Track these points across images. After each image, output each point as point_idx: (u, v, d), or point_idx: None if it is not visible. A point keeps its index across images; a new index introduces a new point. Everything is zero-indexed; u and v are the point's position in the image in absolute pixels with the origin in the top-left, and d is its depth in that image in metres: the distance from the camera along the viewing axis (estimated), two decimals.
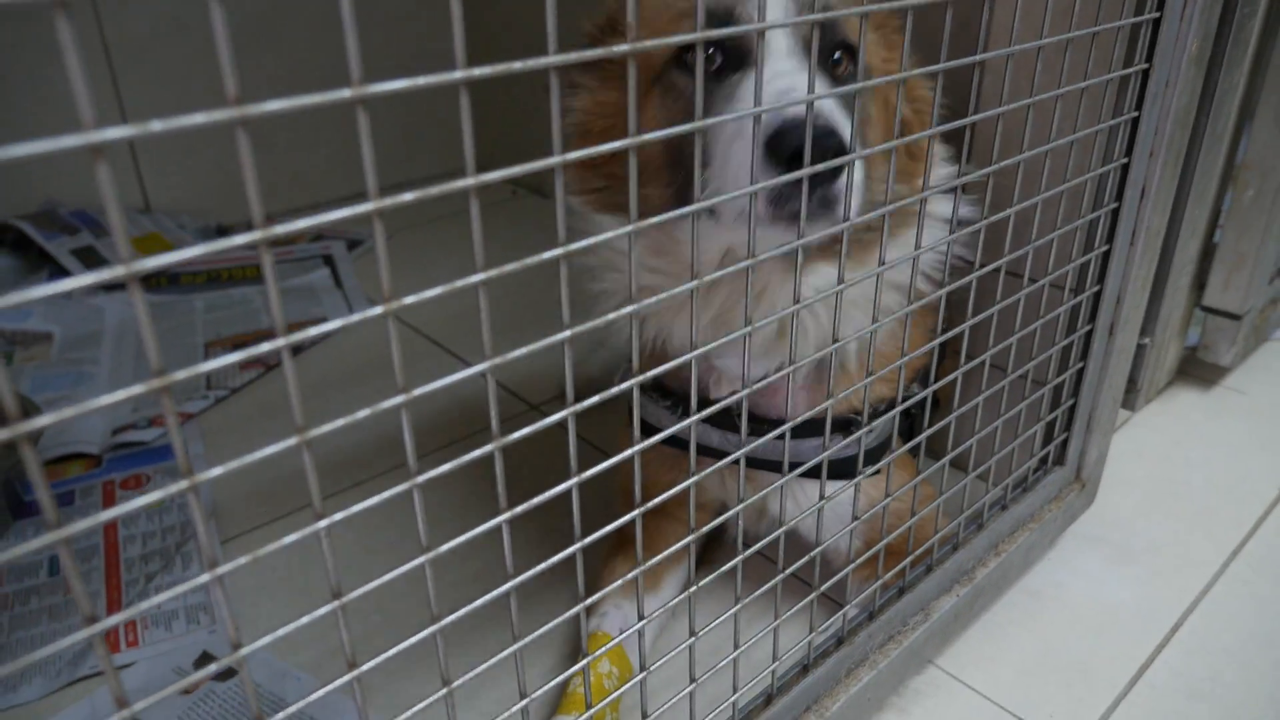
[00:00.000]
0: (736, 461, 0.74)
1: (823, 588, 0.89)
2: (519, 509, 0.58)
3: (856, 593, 0.97)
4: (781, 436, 0.76)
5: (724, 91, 0.85)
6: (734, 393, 0.71)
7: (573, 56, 0.48)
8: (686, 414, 1.03)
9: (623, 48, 0.50)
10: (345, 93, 0.42)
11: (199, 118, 0.38)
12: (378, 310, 0.48)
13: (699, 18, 0.54)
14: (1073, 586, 1.24)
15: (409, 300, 0.48)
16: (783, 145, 0.70)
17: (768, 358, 0.96)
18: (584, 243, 0.55)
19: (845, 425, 0.99)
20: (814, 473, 0.83)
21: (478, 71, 0.45)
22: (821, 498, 0.85)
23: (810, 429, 0.95)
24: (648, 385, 1.10)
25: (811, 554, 0.88)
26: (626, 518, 0.67)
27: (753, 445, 0.73)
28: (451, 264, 2.10)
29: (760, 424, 1.00)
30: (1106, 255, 1.08)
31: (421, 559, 0.54)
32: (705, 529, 0.78)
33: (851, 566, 0.99)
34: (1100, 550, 1.31)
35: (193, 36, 2.25)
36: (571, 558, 0.63)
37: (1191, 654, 1.13)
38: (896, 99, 0.79)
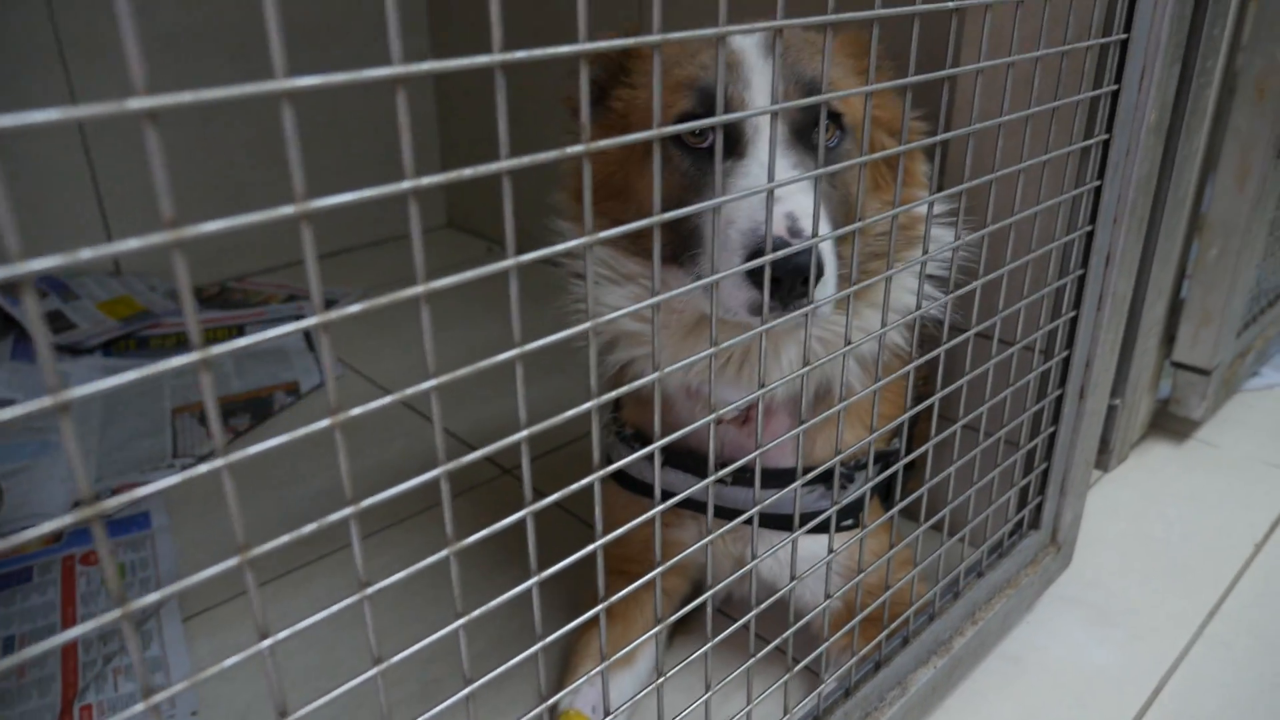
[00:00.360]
0: (721, 515, 0.74)
1: (795, 669, 0.87)
2: (475, 613, 0.56)
3: (834, 667, 0.96)
4: (767, 486, 0.75)
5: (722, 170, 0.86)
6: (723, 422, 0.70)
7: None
8: (669, 464, 1.03)
9: (587, 144, 0.50)
10: (289, 209, 0.41)
11: (133, 242, 0.37)
12: (324, 423, 0.46)
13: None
14: (1052, 650, 1.23)
15: (354, 412, 0.47)
16: (761, 274, 0.73)
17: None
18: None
19: (828, 476, 0.99)
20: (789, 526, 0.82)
21: (428, 181, 0.44)
22: (795, 545, 0.84)
23: (792, 479, 0.95)
24: (630, 437, 1.09)
25: (797, 625, 0.86)
26: (587, 615, 0.65)
27: (721, 470, 0.72)
28: (435, 320, 2.08)
29: (744, 473, 0.99)
30: (1074, 320, 1.09)
31: (373, 671, 0.52)
32: (672, 619, 0.77)
33: (830, 641, 0.97)
34: (1079, 612, 1.29)
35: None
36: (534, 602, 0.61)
37: (1173, 719, 1.12)
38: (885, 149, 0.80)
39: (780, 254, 0.68)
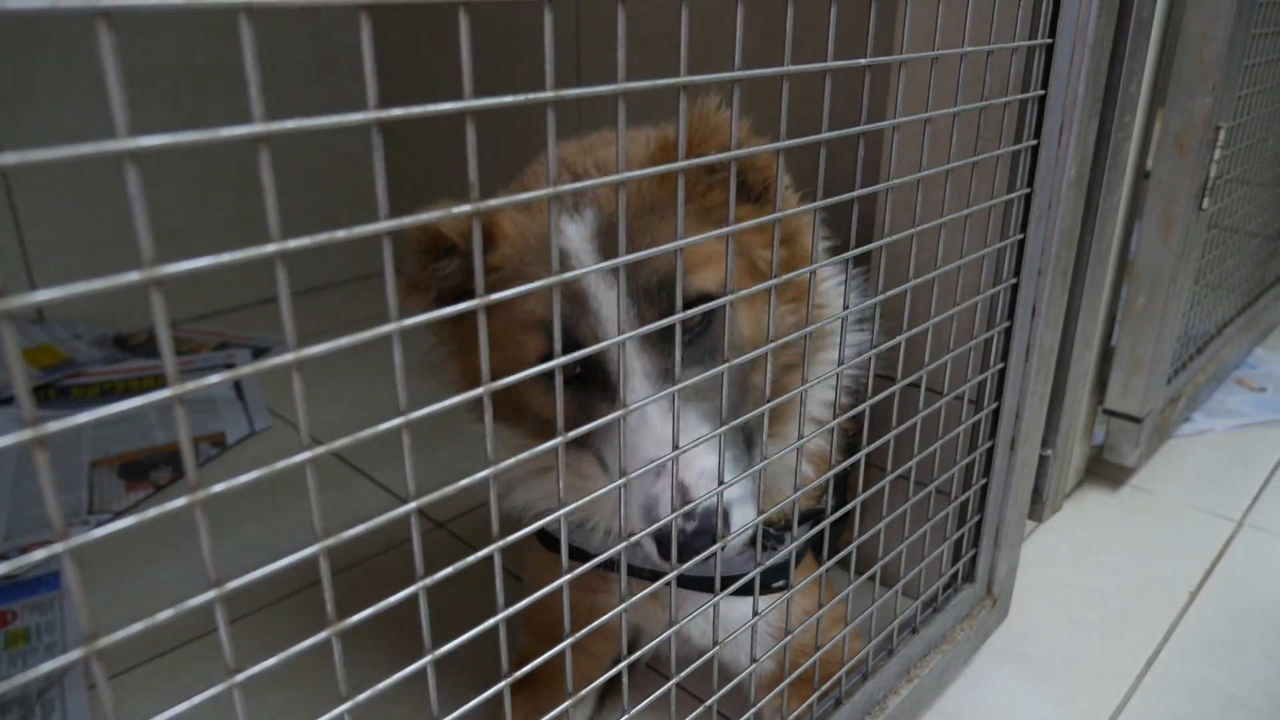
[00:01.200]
0: (644, 578, 0.71)
1: None
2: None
3: None
4: None
5: (601, 412, 0.81)
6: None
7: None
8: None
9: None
10: (271, 247, 0.38)
11: (99, 283, 0.34)
12: (304, 456, 0.43)
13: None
14: (990, 706, 1.21)
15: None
16: (658, 541, 0.73)
17: None
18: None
19: (752, 539, 0.96)
20: (725, 587, 0.79)
21: (409, 221, 0.42)
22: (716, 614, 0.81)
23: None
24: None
25: (726, 688, 0.83)
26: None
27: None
28: (365, 368, 2.04)
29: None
30: (1002, 373, 1.09)
31: (342, 708, 0.48)
32: (599, 681, 0.73)
33: (760, 703, 0.94)
34: (1017, 666, 1.28)
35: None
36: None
37: None
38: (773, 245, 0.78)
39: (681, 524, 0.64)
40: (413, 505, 0.52)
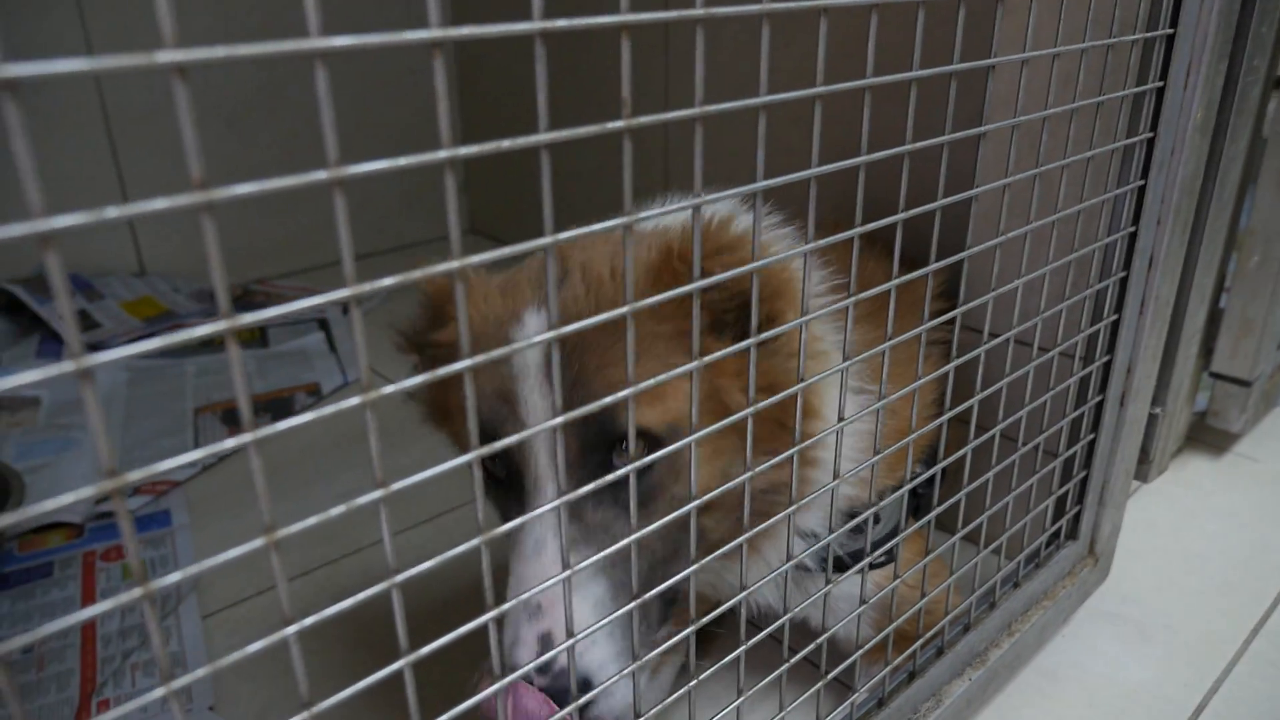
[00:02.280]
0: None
1: (829, 675, 0.84)
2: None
3: (866, 677, 0.93)
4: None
5: (512, 510, 0.78)
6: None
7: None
8: None
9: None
10: (322, 174, 0.39)
11: (160, 202, 0.35)
12: (355, 401, 0.44)
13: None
14: (1090, 667, 1.19)
15: (385, 390, 0.45)
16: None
17: None
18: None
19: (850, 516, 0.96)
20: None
21: (464, 150, 0.43)
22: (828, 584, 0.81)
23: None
24: None
25: (818, 640, 0.84)
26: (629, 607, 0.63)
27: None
28: None
29: None
30: (1116, 325, 1.06)
31: (401, 662, 0.50)
32: (702, 621, 0.74)
33: (859, 653, 0.94)
34: (1117, 628, 1.26)
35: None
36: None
37: None
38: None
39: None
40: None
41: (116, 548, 1.45)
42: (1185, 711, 1.12)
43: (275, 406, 1.83)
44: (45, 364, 2.07)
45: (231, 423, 1.78)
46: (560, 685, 0.67)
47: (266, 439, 0.41)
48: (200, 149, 0.36)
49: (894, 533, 0.96)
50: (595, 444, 0.72)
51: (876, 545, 0.93)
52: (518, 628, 0.68)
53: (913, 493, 1.04)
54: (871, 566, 0.92)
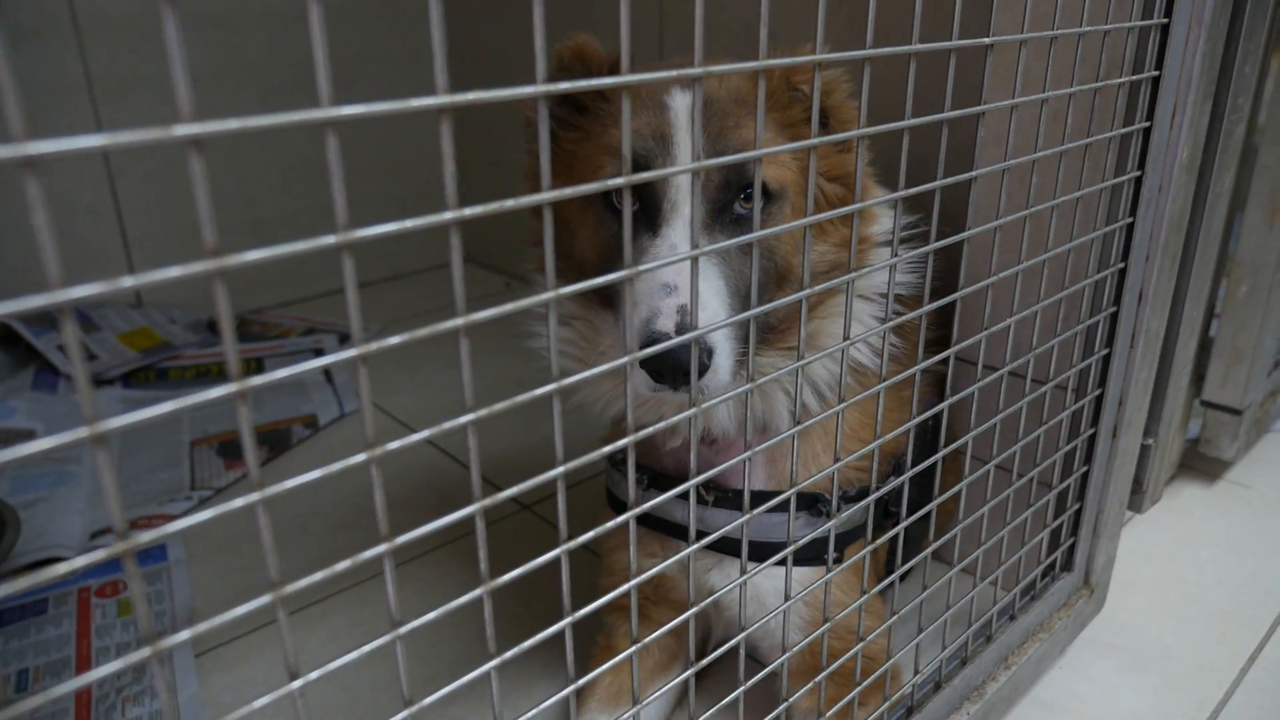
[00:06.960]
0: (702, 544, 0.71)
1: (789, 701, 0.84)
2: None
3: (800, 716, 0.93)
4: (741, 507, 0.71)
5: (641, 242, 0.89)
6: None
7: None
8: (654, 486, 1.02)
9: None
10: (330, 239, 0.40)
11: (174, 271, 0.36)
12: (360, 457, 0.45)
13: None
14: (1088, 697, 1.20)
15: (391, 446, 0.46)
16: (652, 363, 0.78)
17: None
18: (572, 379, 0.53)
19: (811, 503, 0.96)
20: (769, 556, 0.79)
21: (468, 211, 0.44)
22: (747, 574, 0.81)
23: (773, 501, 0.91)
24: (618, 459, 1.10)
25: (769, 666, 0.81)
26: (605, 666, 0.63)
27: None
28: (446, 356, 2.08)
29: (724, 494, 1.00)
30: (1107, 359, 1.07)
31: (405, 713, 0.51)
32: (703, 662, 0.74)
33: (790, 700, 0.88)
34: (1113, 658, 1.26)
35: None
36: (556, 640, 0.59)
37: None
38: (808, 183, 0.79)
39: (660, 348, 0.65)
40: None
41: (111, 583, 1.44)
42: None
43: (272, 439, 1.83)
44: (40, 397, 2.03)
45: (227, 455, 1.78)
46: (684, 358, 0.75)
47: (263, 471, 0.42)
48: (213, 215, 0.37)
49: (847, 536, 0.98)
50: (722, 194, 0.89)
51: (826, 544, 0.93)
52: (657, 301, 0.80)
53: (882, 509, 1.03)
54: (801, 562, 0.96)
